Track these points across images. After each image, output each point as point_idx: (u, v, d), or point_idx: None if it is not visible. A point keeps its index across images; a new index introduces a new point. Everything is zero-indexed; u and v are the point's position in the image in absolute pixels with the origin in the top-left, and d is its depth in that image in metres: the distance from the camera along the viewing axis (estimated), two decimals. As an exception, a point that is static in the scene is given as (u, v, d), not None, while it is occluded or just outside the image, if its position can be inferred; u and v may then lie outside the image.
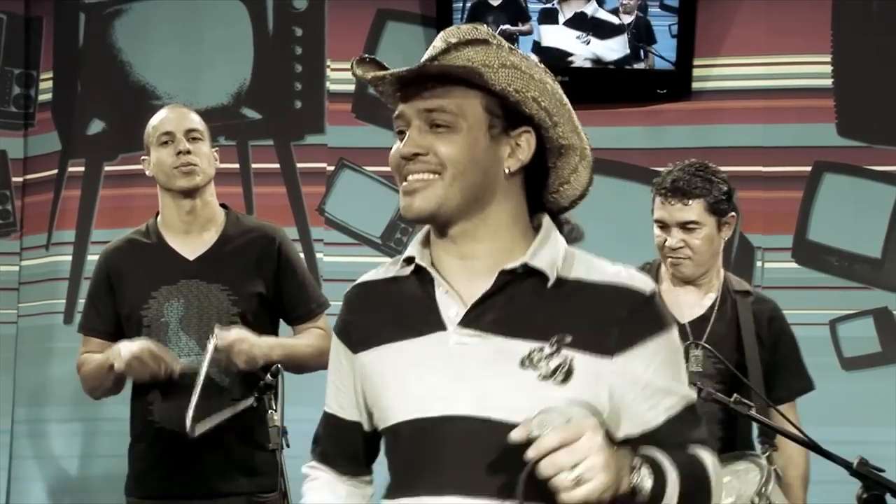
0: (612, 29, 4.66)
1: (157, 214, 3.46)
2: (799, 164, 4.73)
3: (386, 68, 1.84)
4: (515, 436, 1.64)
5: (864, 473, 2.60)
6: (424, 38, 4.83)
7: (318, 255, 4.86)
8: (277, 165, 4.96)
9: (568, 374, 1.73)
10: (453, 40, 1.77)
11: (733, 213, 3.26)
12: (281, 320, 3.48)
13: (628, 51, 4.65)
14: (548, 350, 1.74)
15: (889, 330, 4.65)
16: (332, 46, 4.95)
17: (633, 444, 1.74)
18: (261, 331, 3.33)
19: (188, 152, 3.34)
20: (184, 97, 4.80)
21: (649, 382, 1.77)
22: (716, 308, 3.29)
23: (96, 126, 5.05)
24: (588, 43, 4.66)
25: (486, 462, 1.73)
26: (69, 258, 5.01)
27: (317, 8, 4.96)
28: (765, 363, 3.25)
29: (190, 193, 3.36)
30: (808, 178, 4.73)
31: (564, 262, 1.80)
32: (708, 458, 1.80)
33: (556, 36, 4.69)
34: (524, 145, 1.81)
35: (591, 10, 4.66)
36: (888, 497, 2.61)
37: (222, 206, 3.49)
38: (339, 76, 4.93)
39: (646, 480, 1.67)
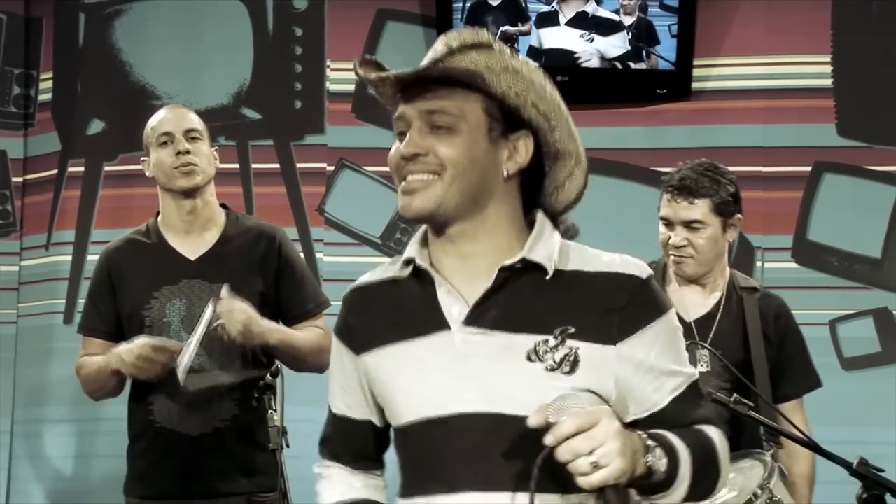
0: (613, 25, 4.66)
1: (157, 214, 3.46)
2: (799, 164, 4.73)
3: (386, 70, 1.86)
4: (533, 421, 1.66)
5: (864, 473, 2.60)
6: (424, 38, 4.83)
7: (318, 255, 4.86)
8: (277, 165, 4.96)
9: (574, 364, 1.77)
10: (455, 44, 1.79)
11: (739, 216, 3.25)
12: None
13: (628, 46, 4.64)
14: (552, 342, 1.78)
15: (889, 330, 4.65)
16: (332, 46, 4.95)
17: (641, 426, 1.77)
18: None
19: (188, 152, 3.34)
20: (184, 97, 4.80)
21: (653, 366, 1.81)
22: (721, 306, 3.28)
23: (96, 126, 5.05)
24: (592, 41, 4.66)
25: (500, 456, 1.77)
26: (69, 258, 5.01)
27: (317, 8, 4.96)
28: (771, 360, 3.25)
29: (190, 193, 3.36)
30: (808, 178, 4.73)
31: (561, 254, 1.83)
32: (715, 433, 1.84)
33: (559, 37, 4.69)
34: (522, 149, 1.84)
35: (591, 9, 4.66)
36: (888, 497, 2.61)
37: (222, 205, 3.49)
38: (339, 76, 4.93)
39: (660, 462, 1.70)
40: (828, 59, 4.73)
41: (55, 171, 5.05)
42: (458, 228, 1.82)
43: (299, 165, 4.96)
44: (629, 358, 1.79)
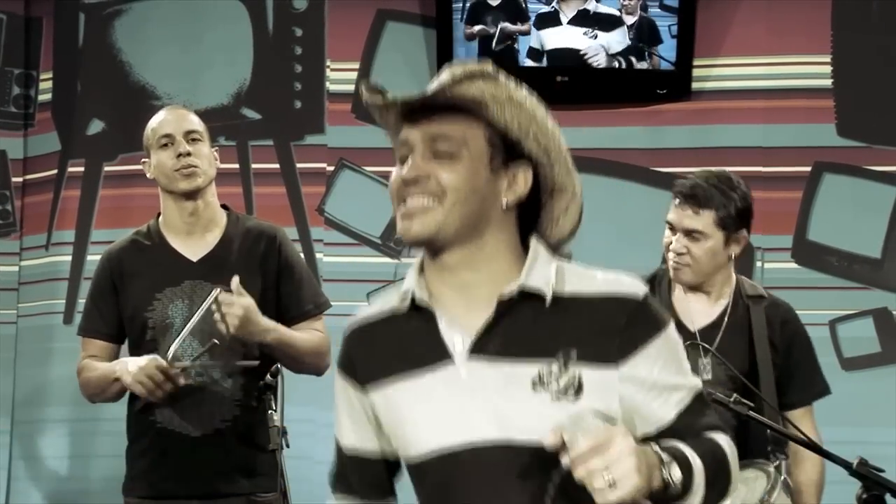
0: (614, 21, 4.66)
1: (159, 216, 3.46)
2: (799, 165, 4.73)
3: (383, 95, 1.87)
4: (550, 442, 1.68)
5: (864, 473, 2.60)
6: (424, 38, 4.83)
7: (318, 255, 4.86)
8: (277, 165, 4.96)
9: (579, 389, 1.79)
10: (460, 73, 1.82)
11: (745, 233, 3.20)
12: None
13: (630, 40, 4.65)
14: (556, 368, 1.79)
15: (889, 330, 4.65)
16: (332, 46, 4.95)
17: (651, 441, 1.79)
18: None
19: (188, 154, 3.34)
20: (184, 97, 4.80)
21: (656, 382, 1.82)
22: (727, 315, 3.25)
23: (96, 126, 5.05)
24: (595, 37, 4.66)
25: (514, 483, 1.79)
26: (69, 258, 5.01)
27: (317, 8, 4.96)
28: (778, 368, 3.22)
29: (191, 195, 3.36)
30: (808, 178, 4.73)
31: (558, 278, 1.84)
32: (723, 439, 1.86)
33: (562, 37, 4.68)
34: (521, 180, 1.84)
35: (591, 6, 4.66)
36: (888, 497, 2.61)
37: (223, 206, 3.49)
38: (339, 76, 4.93)
39: (675, 474, 1.72)
40: (828, 59, 4.73)
41: (55, 171, 5.05)
42: (457, 257, 1.83)
43: (299, 165, 4.96)
44: (632, 377, 1.81)
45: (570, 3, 4.68)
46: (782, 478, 3.00)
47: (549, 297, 1.82)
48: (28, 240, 5.08)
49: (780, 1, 4.74)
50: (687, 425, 1.83)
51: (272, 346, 3.25)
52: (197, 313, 3.16)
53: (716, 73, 4.76)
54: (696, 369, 3.08)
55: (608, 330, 1.80)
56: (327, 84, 4.94)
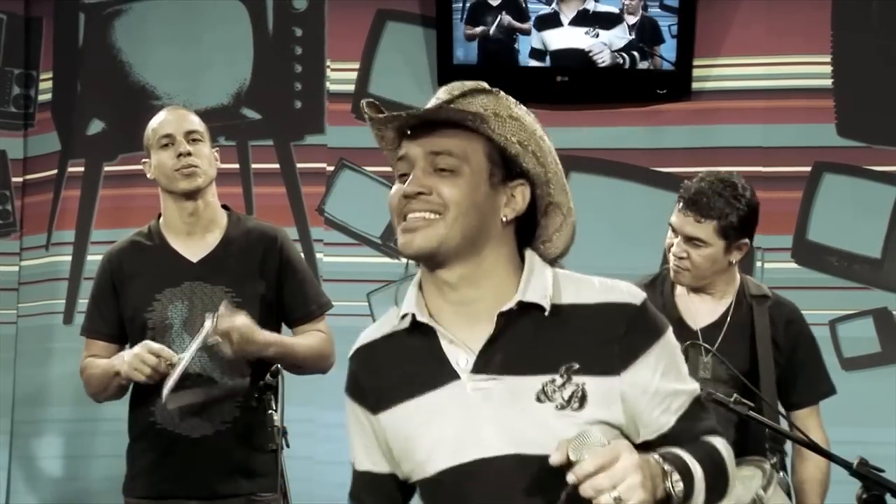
0: (613, 18, 4.67)
1: (159, 216, 3.46)
2: (799, 165, 4.73)
3: (385, 112, 1.88)
4: (555, 459, 1.71)
5: (864, 473, 2.60)
6: (424, 38, 4.83)
7: (318, 256, 4.86)
8: (277, 165, 4.96)
9: (582, 400, 1.82)
10: (458, 91, 1.84)
11: (746, 241, 3.19)
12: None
13: (632, 36, 4.65)
14: (559, 381, 1.82)
15: (889, 330, 4.65)
16: (332, 46, 4.95)
17: (651, 446, 1.83)
18: None
19: (189, 154, 3.34)
20: (184, 97, 4.80)
21: (658, 390, 1.85)
22: (730, 314, 3.26)
23: (96, 126, 5.05)
24: (597, 36, 4.67)
25: (524, 495, 1.82)
26: (69, 258, 5.01)
27: (317, 8, 4.96)
28: (781, 368, 3.22)
29: (192, 195, 3.37)
30: (808, 178, 4.72)
31: (555, 288, 1.87)
32: (720, 443, 1.90)
33: (565, 38, 4.68)
34: (519, 197, 1.87)
35: (590, 6, 4.66)
36: (888, 497, 2.61)
37: (224, 207, 3.49)
38: (339, 76, 4.93)
39: (677, 484, 1.76)
40: (828, 59, 4.73)
41: (55, 171, 5.05)
42: (457, 273, 1.86)
43: (299, 165, 4.96)
44: (634, 385, 1.84)
45: (570, 3, 4.68)
46: (779, 475, 3.00)
47: (548, 308, 1.84)
48: (28, 240, 5.08)
49: (780, 1, 4.74)
50: (685, 430, 1.87)
51: (274, 359, 3.25)
52: (192, 344, 3.15)
53: (716, 73, 4.76)
54: (696, 368, 3.08)
55: (608, 338, 1.83)
56: (327, 84, 4.94)
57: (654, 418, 1.86)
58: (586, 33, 4.68)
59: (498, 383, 1.83)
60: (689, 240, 3.16)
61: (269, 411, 3.07)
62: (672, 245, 3.21)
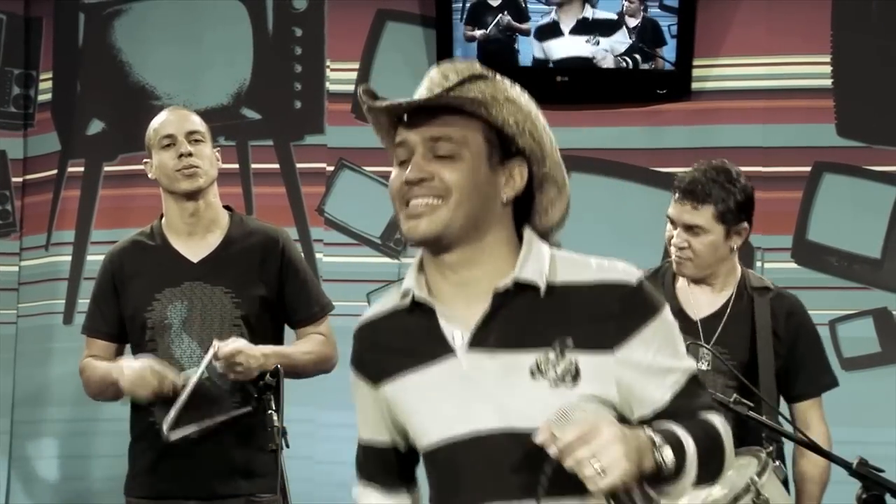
0: (612, 24, 4.67)
1: (161, 216, 3.46)
2: (799, 165, 4.72)
3: (380, 99, 1.91)
4: (540, 438, 1.73)
5: (864, 473, 2.60)
6: (424, 38, 4.83)
7: (318, 256, 4.85)
8: (277, 166, 4.96)
9: (576, 375, 1.84)
10: (457, 76, 1.86)
11: (745, 225, 3.21)
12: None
13: (632, 39, 4.65)
14: (553, 356, 1.84)
15: (889, 330, 4.65)
16: (332, 46, 4.95)
17: (647, 423, 1.84)
18: (263, 333, 3.34)
19: (190, 154, 3.34)
20: (183, 97, 4.80)
21: (651, 365, 1.86)
22: (730, 305, 3.27)
23: (96, 126, 5.05)
24: (598, 43, 4.67)
25: (517, 469, 1.83)
26: (69, 258, 5.01)
27: (317, 8, 4.96)
28: (782, 360, 3.23)
29: (193, 196, 3.37)
30: (808, 178, 4.72)
31: (552, 267, 1.89)
32: (718, 419, 1.90)
33: (567, 47, 4.68)
34: (517, 175, 1.90)
35: (589, 13, 4.66)
36: (888, 497, 2.61)
37: (226, 207, 3.50)
38: (339, 76, 4.93)
39: (667, 456, 1.77)
40: (828, 59, 4.72)
41: (55, 172, 5.05)
42: (459, 255, 1.88)
43: (299, 165, 4.96)
44: (628, 362, 1.85)
45: (569, 12, 4.68)
46: (775, 463, 3.00)
47: (543, 288, 1.87)
48: (28, 240, 5.08)
49: (780, 1, 4.74)
50: (681, 406, 1.87)
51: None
52: (193, 378, 3.16)
53: (716, 73, 4.76)
54: (696, 359, 3.08)
55: (603, 316, 1.85)
56: (327, 84, 4.94)
57: (649, 394, 1.87)
58: (587, 41, 4.68)
59: (492, 359, 1.86)
60: (689, 228, 3.17)
61: (269, 411, 3.07)
62: (672, 237, 3.23)
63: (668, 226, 3.26)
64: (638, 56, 4.66)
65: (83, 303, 4.85)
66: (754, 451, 3.03)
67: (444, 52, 4.68)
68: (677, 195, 3.20)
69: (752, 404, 2.83)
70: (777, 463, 3.04)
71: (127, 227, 4.59)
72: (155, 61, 4.99)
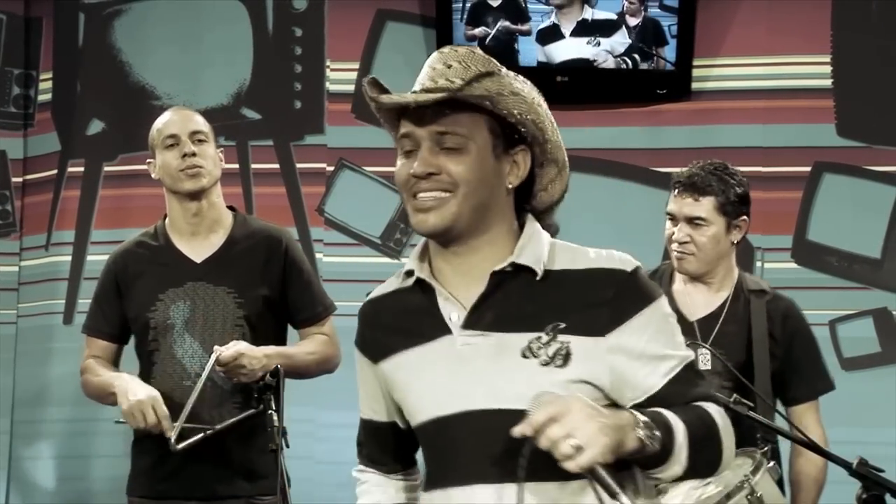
0: (612, 25, 4.67)
1: (165, 217, 3.46)
2: (799, 165, 4.73)
3: (387, 90, 1.94)
4: (518, 431, 1.75)
5: (864, 473, 2.60)
6: (424, 38, 4.83)
7: (318, 256, 4.85)
8: (277, 166, 4.96)
9: (566, 358, 1.86)
10: (455, 63, 1.90)
11: (745, 218, 3.25)
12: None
13: (632, 39, 4.65)
14: (545, 338, 1.88)
15: (889, 330, 4.65)
16: (332, 46, 4.95)
17: (641, 409, 1.85)
18: (266, 334, 3.34)
19: (193, 154, 3.34)
20: (183, 97, 4.80)
21: (643, 352, 1.89)
22: (727, 306, 3.28)
23: (96, 126, 5.05)
24: (598, 44, 4.67)
25: (505, 449, 1.84)
26: (69, 258, 5.01)
27: (317, 8, 4.96)
28: (778, 362, 3.24)
29: (196, 195, 3.37)
30: (808, 178, 4.73)
31: (550, 254, 1.93)
32: (713, 408, 1.91)
33: (568, 49, 4.69)
34: (521, 163, 1.95)
35: (588, 15, 4.67)
36: (888, 497, 2.61)
37: (230, 208, 3.50)
38: (339, 76, 4.93)
39: (652, 434, 1.78)
40: (828, 59, 4.73)
41: (55, 172, 5.05)
42: (465, 243, 1.92)
43: (299, 165, 4.96)
44: (619, 347, 1.88)
45: (569, 15, 4.68)
46: (769, 464, 3.01)
47: (540, 273, 1.90)
48: (28, 240, 5.08)
49: (780, 1, 4.74)
50: (676, 393, 1.89)
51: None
52: (196, 389, 3.17)
53: (716, 73, 4.76)
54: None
55: (596, 301, 1.88)
56: (327, 84, 4.94)
57: (641, 380, 1.88)
58: (588, 42, 4.68)
59: (486, 339, 1.90)
60: (691, 221, 3.21)
61: (270, 411, 3.07)
62: (672, 234, 3.24)
63: (668, 223, 3.28)
64: (637, 56, 4.66)
65: (83, 303, 4.86)
66: (749, 451, 3.04)
67: (444, 52, 4.67)
68: (677, 190, 3.24)
69: (752, 404, 2.83)
70: (772, 463, 3.05)
71: (127, 228, 4.59)
72: (155, 61, 4.99)
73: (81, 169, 5.04)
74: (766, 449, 3.06)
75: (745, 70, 4.76)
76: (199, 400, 3.21)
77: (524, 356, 1.87)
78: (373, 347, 2.03)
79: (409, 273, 1.98)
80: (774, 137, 4.73)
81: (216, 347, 3.18)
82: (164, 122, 3.42)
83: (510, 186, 1.93)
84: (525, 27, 4.70)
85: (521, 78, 1.94)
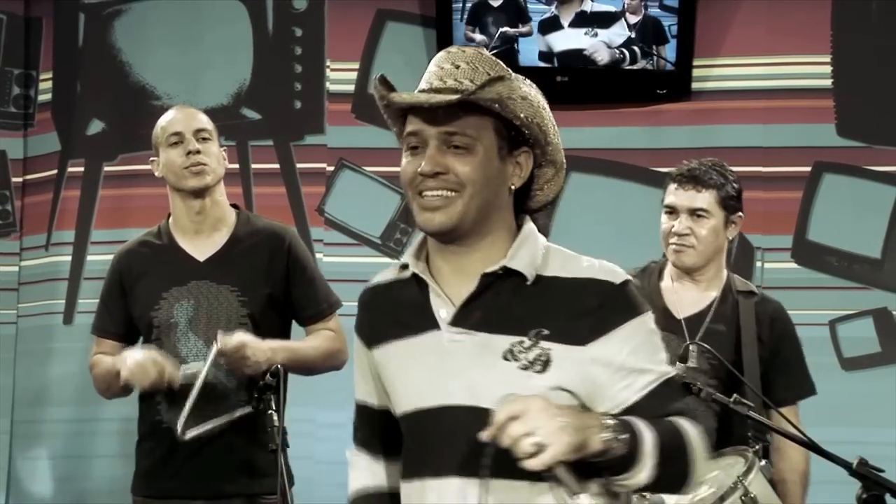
0: (611, 17, 4.69)
1: (169, 216, 3.47)
2: (799, 165, 4.73)
3: (394, 88, 1.97)
4: (482, 435, 1.79)
5: (864, 474, 2.60)
6: (424, 38, 4.83)
7: (318, 256, 4.85)
8: (277, 166, 4.96)
9: (546, 364, 1.89)
10: (463, 64, 1.93)
11: (741, 214, 3.31)
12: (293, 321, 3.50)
13: (631, 33, 4.65)
14: (527, 343, 1.91)
15: (889, 330, 4.65)
16: (332, 46, 4.95)
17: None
18: (270, 331, 3.33)
19: (198, 152, 3.35)
20: (184, 97, 4.80)
21: (623, 365, 1.91)
22: (714, 306, 3.30)
23: (96, 126, 5.05)
24: (596, 35, 4.68)
25: (478, 446, 1.85)
26: (69, 258, 5.01)
27: (317, 8, 4.96)
28: (765, 364, 3.26)
29: (200, 193, 3.37)
30: (808, 178, 4.73)
31: (543, 259, 1.96)
32: (687, 424, 1.92)
33: (565, 39, 4.70)
34: (524, 164, 1.98)
35: (588, 7, 4.68)
36: (888, 497, 2.61)
37: (233, 206, 3.50)
38: (339, 76, 4.93)
39: (618, 438, 1.80)
40: (828, 59, 4.73)
41: (55, 172, 5.05)
42: (465, 243, 1.96)
43: (299, 165, 4.96)
44: (599, 358, 1.90)
45: (569, 6, 4.69)
46: (761, 462, 3.02)
47: (530, 278, 1.93)
48: (28, 240, 5.08)
49: (780, 1, 4.74)
50: (650, 408, 1.90)
51: (284, 365, 3.25)
52: (202, 373, 3.16)
53: (716, 73, 4.76)
54: (685, 356, 3.09)
55: (581, 311, 1.91)
56: (327, 84, 4.95)
57: (616, 392, 1.90)
58: (585, 33, 4.69)
59: (472, 338, 1.93)
60: (692, 213, 3.25)
61: (269, 411, 3.07)
62: (670, 229, 3.25)
63: (664, 218, 3.30)
64: (636, 49, 4.66)
65: (83, 303, 4.86)
66: (741, 450, 3.05)
67: (444, 52, 4.68)
68: (677, 183, 3.29)
69: (752, 405, 2.84)
70: (763, 462, 3.05)
71: (127, 227, 4.60)
72: (155, 61, 4.99)
73: (81, 169, 5.04)
74: (757, 448, 3.07)
75: (745, 70, 4.76)
76: (207, 396, 3.21)
77: (505, 358, 1.90)
78: (368, 333, 2.08)
79: (405, 265, 2.02)
80: (774, 137, 4.73)
81: (219, 335, 3.15)
82: (168, 120, 3.43)
83: (512, 188, 1.96)
84: (526, 28, 4.71)
85: (527, 81, 1.98)
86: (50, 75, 5.09)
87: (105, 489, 4.75)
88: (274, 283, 3.38)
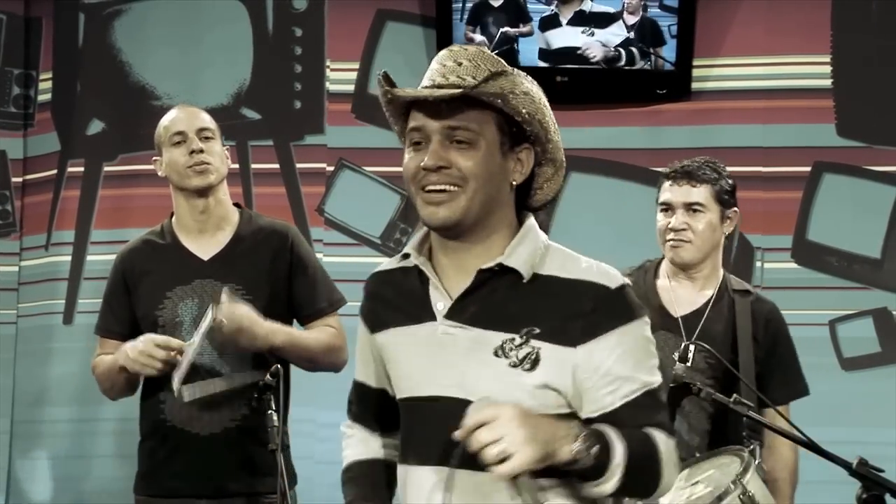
0: (609, 17, 4.69)
1: (172, 215, 3.47)
2: (799, 165, 4.73)
3: (396, 84, 1.99)
4: (458, 434, 1.82)
5: (864, 474, 2.60)
6: (424, 38, 4.83)
7: (318, 256, 4.85)
8: (277, 166, 4.96)
9: (535, 363, 1.92)
10: (466, 62, 1.95)
11: (736, 210, 3.32)
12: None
13: (629, 34, 4.66)
14: (518, 341, 1.93)
15: (888, 330, 4.65)
16: (332, 46, 4.95)
17: (592, 425, 1.90)
18: None
19: (201, 151, 3.35)
20: (184, 97, 4.79)
21: (609, 370, 1.93)
22: (710, 304, 3.31)
23: (96, 126, 5.05)
24: (593, 34, 4.68)
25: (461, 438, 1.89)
26: (69, 258, 5.01)
27: (317, 8, 4.96)
28: (759, 364, 3.26)
29: (203, 192, 3.37)
30: (808, 178, 4.73)
31: (541, 258, 1.98)
32: (660, 437, 1.94)
33: (563, 37, 4.71)
34: (525, 160, 2.00)
35: (587, 6, 4.68)
36: (888, 497, 2.61)
37: (236, 205, 3.50)
38: (339, 76, 4.93)
39: (588, 449, 1.83)
40: (827, 59, 4.73)
41: (55, 172, 5.05)
42: (467, 238, 1.98)
43: (299, 165, 4.96)
44: (587, 361, 1.92)
45: (568, 5, 4.69)
46: (757, 461, 3.02)
47: (526, 276, 1.95)
48: (28, 240, 5.08)
49: (780, 1, 4.74)
50: (629, 416, 1.92)
51: (282, 349, 3.25)
52: (196, 336, 3.16)
53: (716, 73, 4.76)
54: (684, 354, 3.09)
55: (574, 312, 1.92)
56: (327, 84, 4.95)
57: (599, 397, 1.93)
58: (583, 32, 4.70)
59: (466, 332, 1.97)
60: (689, 208, 3.26)
61: (269, 411, 3.07)
62: (667, 225, 3.26)
63: (660, 215, 3.31)
64: (634, 50, 4.67)
65: (83, 303, 4.87)
66: (736, 450, 3.06)
67: (443, 52, 4.68)
68: (671, 181, 3.29)
69: (751, 404, 2.84)
70: (759, 461, 3.05)
71: (127, 227, 4.60)
72: (155, 61, 4.99)
73: (81, 169, 5.04)
74: (752, 447, 3.08)
75: (744, 70, 4.76)
76: (214, 389, 3.22)
77: (496, 355, 1.93)
78: (371, 318, 2.13)
79: (406, 255, 2.06)
80: (774, 137, 4.73)
81: (223, 296, 3.13)
82: (170, 120, 3.43)
83: (514, 183, 1.98)
84: (526, 28, 4.71)
85: (529, 78, 1.99)
86: (50, 75, 5.09)
87: (105, 489, 4.75)
88: (277, 282, 3.38)
